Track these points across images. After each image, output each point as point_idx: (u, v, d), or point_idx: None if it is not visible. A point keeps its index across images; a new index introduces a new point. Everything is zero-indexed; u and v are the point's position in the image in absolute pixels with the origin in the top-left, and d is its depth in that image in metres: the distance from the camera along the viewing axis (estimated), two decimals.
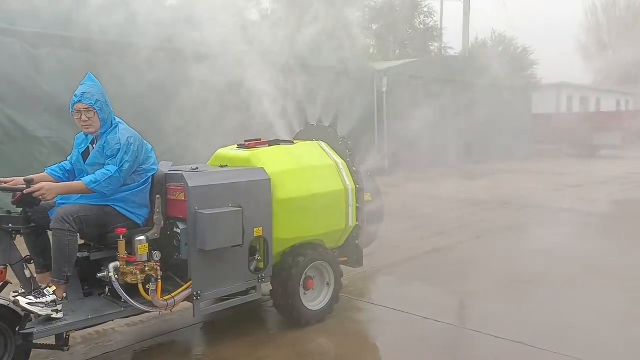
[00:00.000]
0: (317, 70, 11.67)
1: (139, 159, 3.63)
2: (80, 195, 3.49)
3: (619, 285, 5.25)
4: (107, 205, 3.54)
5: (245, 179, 3.95)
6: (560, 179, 14.10)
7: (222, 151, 4.60)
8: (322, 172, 4.43)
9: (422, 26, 32.79)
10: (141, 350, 3.98)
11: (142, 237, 3.57)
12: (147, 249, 3.57)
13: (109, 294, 3.73)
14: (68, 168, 3.79)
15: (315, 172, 4.38)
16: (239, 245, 3.84)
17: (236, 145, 4.62)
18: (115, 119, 3.67)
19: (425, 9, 31.58)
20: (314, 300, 4.36)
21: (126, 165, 3.53)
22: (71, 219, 3.31)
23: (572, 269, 5.85)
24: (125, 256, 3.50)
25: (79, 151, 3.70)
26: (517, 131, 20.23)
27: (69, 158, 3.84)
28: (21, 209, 3.41)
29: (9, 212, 3.38)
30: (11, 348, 3.28)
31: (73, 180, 3.69)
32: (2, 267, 3.29)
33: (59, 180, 3.71)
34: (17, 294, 3.37)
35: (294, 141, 4.78)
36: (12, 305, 3.26)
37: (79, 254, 3.58)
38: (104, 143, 3.57)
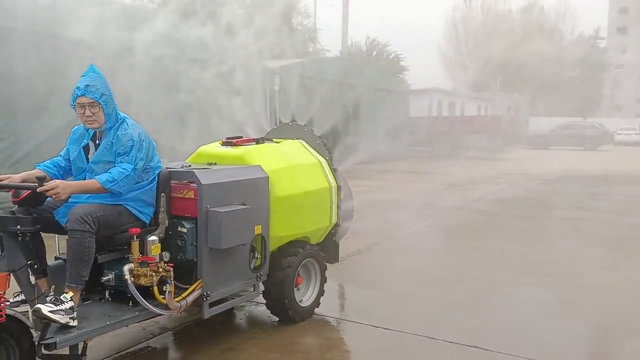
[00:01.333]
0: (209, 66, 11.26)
1: (149, 155, 3.45)
2: (88, 194, 3.24)
3: (539, 280, 5.52)
4: (120, 204, 3.32)
5: (247, 177, 3.91)
6: (442, 179, 15.04)
7: (205, 148, 4.47)
8: (309, 170, 4.49)
9: (299, 27, 33.37)
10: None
11: (154, 237, 3.42)
12: (159, 249, 3.41)
13: (109, 299, 3.51)
14: (62, 165, 3.49)
15: (304, 170, 4.43)
16: (245, 243, 3.81)
17: (219, 143, 4.52)
18: (119, 114, 3.45)
19: (303, 10, 32.15)
20: (303, 296, 4.42)
21: (140, 163, 3.34)
22: (90, 219, 3.07)
23: (489, 267, 6.00)
24: (140, 257, 3.32)
25: (79, 147, 3.43)
26: (396, 133, 21.46)
27: (61, 153, 3.53)
28: (22, 209, 3.09)
29: (12, 212, 3.05)
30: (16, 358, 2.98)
31: (65, 178, 3.41)
32: (6, 272, 2.96)
33: (53, 177, 3.41)
34: (18, 302, 3.07)
35: (272, 139, 4.78)
36: (19, 315, 2.96)
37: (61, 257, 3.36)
38: (113, 139, 3.34)
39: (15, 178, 3.21)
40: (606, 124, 35.21)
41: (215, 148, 4.42)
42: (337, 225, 4.76)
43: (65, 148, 3.53)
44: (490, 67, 43.44)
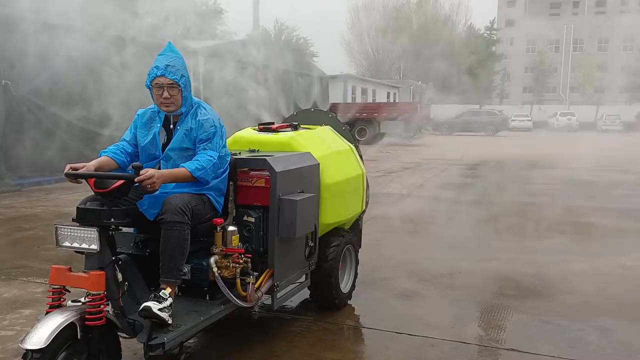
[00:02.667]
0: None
1: (225, 143, 3.29)
2: (176, 182, 3.04)
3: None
4: (203, 193, 3.15)
5: (305, 164, 3.84)
6: (372, 165, 14.89)
7: (242, 134, 4.30)
8: (346, 156, 4.48)
9: (204, 7, 32.42)
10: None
11: (234, 228, 3.28)
12: (238, 240, 3.29)
13: (179, 294, 3.32)
14: (129, 150, 3.23)
15: (342, 157, 4.42)
16: (312, 232, 3.77)
17: (252, 129, 4.37)
18: (193, 98, 3.25)
19: None
20: (342, 282, 4.42)
21: (223, 150, 3.19)
22: (188, 209, 2.89)
23: (477, 258, 5.77)
24: (224, 249, 3.17)
25: (151, 132, 3.18)
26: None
27: (126, 138, 3.26)
28: (107, 201, 2.84)
29: (101, 204, 2.79)
30: None
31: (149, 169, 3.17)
32: (100, 270, 2.71)
33: (121, 164, 3.16)
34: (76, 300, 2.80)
35: (303, 125, 4.69)
36: (111, 317, 2.74)
37: (137, 252, 3.16)
38: (192, 125, 3.14)
39: (90, 167, 2.93)
40: (502, 111, 37.81)
41: (253, 134, 4.26)
42: (364, 211, 4.80)
43: (129, 132, 3.27)
44: (391, 57, 44.98)
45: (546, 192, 10.49)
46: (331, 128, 4.72)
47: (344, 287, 4.39)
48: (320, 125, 4.73)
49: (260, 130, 4.31)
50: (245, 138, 4.24)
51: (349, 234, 4.47)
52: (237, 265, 3.19)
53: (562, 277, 5.12)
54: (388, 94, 35.58)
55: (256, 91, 10.91)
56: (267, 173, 3.46)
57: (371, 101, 31.70)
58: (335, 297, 4.19)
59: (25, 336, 2.47)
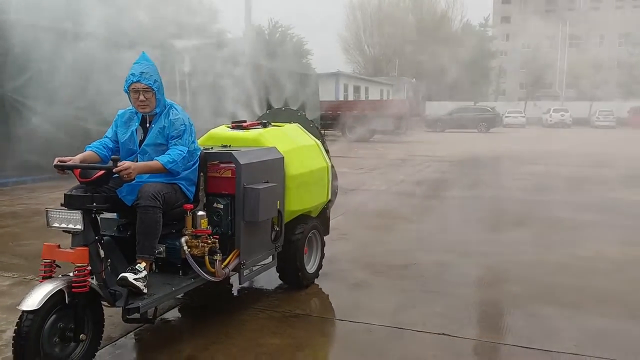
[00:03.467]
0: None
1: (194, 139, 3.79)
2: (149, 174, 3.54)
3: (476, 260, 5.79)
4: (175, 183, 3.65)
5: (269, 157, 4.33)
6: (357, 162, 15.52)
7: (216, 131, 4.79)
8: (311, 150, 4.97)
9: (199, 6, 32.79)
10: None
11: (203, 212, 3.78)
12: (207, 223, 3.78)
13: (156, 270, 3.82)
14: (110, 146, 3.72)
15: (307, 151, 4.91)
16: (274, 216, 4.26)
17: (226, 126, 4.87)
18: (166, 99, 3.75)
19: None
20: (308, 264, 4.92)
21: (192, 146, 3.68)
22: (160, 196, 3.39)
23: (437, 251, 6.10)
24: (193, 230, 3.67)
25: (129, 130, 3.68)
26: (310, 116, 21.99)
27: (108, 135, 3.76)
28: (90, 188, 3.33)
29: (85, 191, 3.29)
30: (88, 325, 3.25)
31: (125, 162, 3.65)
32: (84, 247, 3.21)
33: (104, 158, 3.65)
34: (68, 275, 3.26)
35: (273, 123, 5.18)
36: (94, 286, 3.23)
37: (118, 234, 3.65)
38: (165, 124, 3.64)
39: (76, 159, 3.43)
40: (495, 108, 38.21)
41: (226, 131, 4.76)
42: (330, 200, 5.30)
43: (111, 130, 3.76)
44: (387, 54, 45.33)
45: (519, 187, 10.88)
46: (299, 125, 5.21)
47: (310, 268, 4.89)
48: (290, 123, 5.23)
49: (233, 127, 4.81)
50: (218, 135, 4.73)
51: (315, 221, 4.96)
52: (206, 245, 3.69)
53: (512, 268, 5.48)
54: (382, 91, 36.05)
55: (241, 89, 11.28)
56: (233, 165, 3.95)
57: (364, 99, 32.15)
58: (301, 277, 4.69)
59: (21, 300, 2.96)
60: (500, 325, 4.11)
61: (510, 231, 7.22)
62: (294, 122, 5.29)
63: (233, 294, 4.79)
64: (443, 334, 3.86)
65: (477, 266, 5.58)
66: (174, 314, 4.29)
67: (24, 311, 2.93)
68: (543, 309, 4.35)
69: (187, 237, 3.65)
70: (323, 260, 5.07)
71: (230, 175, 3.98)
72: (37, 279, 3.86)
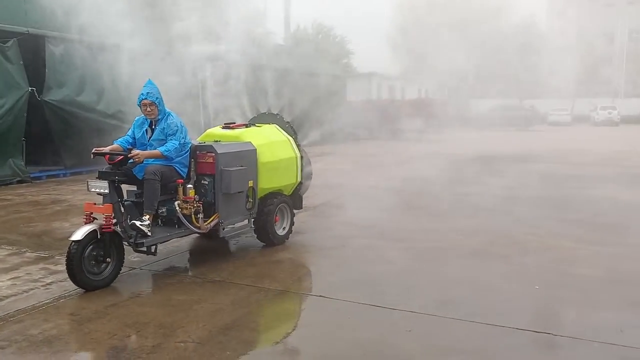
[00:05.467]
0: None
1: (185, 136, 5.61)
2: (153, 159, 5.39)
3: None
4: (171, 165, 5.48)
5: (244, 149, 6.11)
6: (366, 160, 15.89)
7: (211, 130, 6.62)
8: (282, 145, 6.71)
9: (244, 9, 34.85)
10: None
11: (190, 185, 5.59)
12: (194, 193, 5.60)
13: (161, 224, 5.68)
14: (130, 141, 5.60)
15: (278, 145, 6.65)
16: (242, 191, 6.03)
17: (220, 127, 6.67)
18: (166, 109, 5.58)
19: None
20: (279, 229, 6.65)
21: (182, 140, 5.50)
22: (158, 172, 5.23)
23: (358, 234, 6.98)
24: (184, 197, 5.49)
25: (142, 130, 5.55)
26: (333, 116, 22.74)
27: (129, 134, 5.64)
28: (115, 168, 5.20)
29: (110, 168, 5.17)
30: (114, 258, 5.11)
31: (136, 150, 5.51)
32: (109, 204, 5.08)
33: (125, 149, 5.52)
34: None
35: (257, 124, 6.95)
36: (116, 229, 5.09)
37: (133, 199, 5.51)
38: (164, 126, 5.47)
39: (106, 149, 5.32)
40: (541, 105, 38.46)
41: (219, 130, 6.57)
42: (300, 183, 7.01)
43: (130, 130, 5.65)
44: (434, 52, 45.80)
45: (503, 184, 11.31)
46: (277, 126, 6.96)
47: (280, 231, 6.62)
48: (269, 123, 6.99)
49: (223, 127, 6.62)
50: (213, 133, 6.55)
51: (284, 197, 6.70)
52: (192, 207, 5.51)
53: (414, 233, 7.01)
54: (419, 90, 37.06)
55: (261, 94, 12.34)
56: (213, 154, 5.75)
57: (400, 98, 33.41)
58: (272, 238, 6.44)
59: (71, 234, 4.87)
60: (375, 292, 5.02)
61: (449, 220, 8.03)
62: (273, 123, 7.03)
63: (185, 265, 6.01)
64: (320, 295, 4.88)
65: (395, 241, 6.83)
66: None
67: (72, 241, 4.83)
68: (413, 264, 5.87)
69: (179, 201, 5.47)
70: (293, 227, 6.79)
71: (211, 161, 5.78)
72: (34, 252, 5.98)
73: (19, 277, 5.38)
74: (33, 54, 11.15)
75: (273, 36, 33.95)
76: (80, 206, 8.50)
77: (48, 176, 11.98)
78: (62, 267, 5.48)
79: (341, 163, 15.22)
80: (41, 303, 4.68)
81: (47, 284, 5.16)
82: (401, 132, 24.71)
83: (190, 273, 5.68)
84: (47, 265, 5.74)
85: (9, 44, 10.41)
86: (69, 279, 4.95)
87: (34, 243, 6.70)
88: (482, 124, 33.40)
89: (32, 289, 5.03)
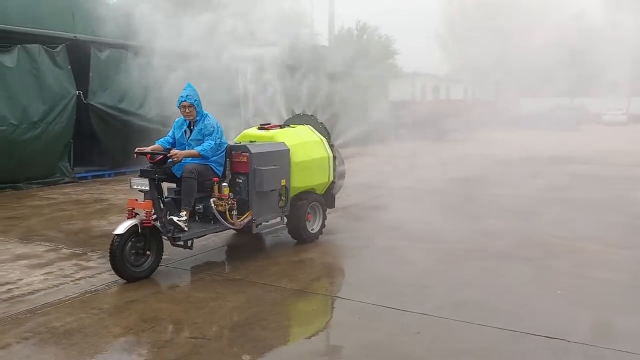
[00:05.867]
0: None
1: (221, 136, 6.02)
2: (192, 158, 5.82)
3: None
4: (207, 164, 5.90)
5: (277, 149, 6.48)
6: (397, 162, 15.73)
7: (247, 131, 7.03)
8: (315, 145, 7.05)
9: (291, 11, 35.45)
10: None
11: (225, 184, 6.00)
12: (229, 190, 6.00)
13: (198, 220, 6.11)
14: (170, 141, 6.05)
15: (311, 145, 7.00)
16: (275, 189, 6.39)
17: (256, 127, 7.07)
18: (204, 111, 6.00)
19: None
20: (311, 226, 6.99)
21: (218, 140, 5.91)
22: (195, 171, 5.65)
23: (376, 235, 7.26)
24: (219, 194, 5.90)
25: (181, 131, 5.99)
26: (375, 117, 22.83)
27: (169, 134, 6.09)
28: (156, 166, 5.65)
29: (151, 167, 5.62)
30: (153, 251, 5.56)
31: (174, 149, 5.95)
32: (150, 200, 5.53)
33: (165, 149, 5.97)
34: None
35: (291, 125, 7.32)
36: (156, 224, 5.53)
37: (173, 197, 5.94)
38: (201, 127, 5.90)
39: (147, 149, 5.78)
40: (595, 104, 37.54)
41: (254, 131, 6.97)
42: (333, 182, 7.34)
43: (171, 131, 6.10)
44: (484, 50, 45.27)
45: (542, 186, 11.30)
46: (310, 127, 7.31)
47: (312, 229, 6.96)
48: (304, 124, 7.35)
49: (259, 128, 7.01)
50: (249, 134, 6.96)
51: (317, 195, 7.04)
52: (227, 204, 5.91)
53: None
54: (465, 90, 36.85)
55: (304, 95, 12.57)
56: (248, 154, 6.14)
57: (444, 98, 33.31)
58: (303, 235, 6.79)
59: (114, 228, 5.34)
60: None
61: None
62: (307, 124, 7.39)
63: (211, 263, 6.25)
64: (336, 296, 5.19)
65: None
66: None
67: (115, 234, 5.29)
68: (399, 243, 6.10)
69: (214, 199, 5.88)
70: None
71: (245, 160, 6.17)
72: (70, 249, 6.50)
73: (52, 272, 5.80)
74: (81, 58, 11.80)
75: (318, 37, 34.53)
76: (119, 205, 9.12)
77: (93, 176, 12.67)
78: (93, 263, 6.06)
79: (378, 164, 15.38)
80: (68, 297, 5.05)
81: (77, 279, 5.56)
82: (444, 133, 24.70)
83: (212, 271, 5.93)
84: (79, 262, 6.16)
85: (57, 49, 11.13)
86: (97, 275, 5.49)
87: (70, 240, 7.18)
88: (529, 124, 32.92)
89: (62, 284, 5.42)
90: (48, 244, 6.96)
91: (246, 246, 6.91)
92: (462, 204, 9.64)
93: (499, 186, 11.31)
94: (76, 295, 5.12)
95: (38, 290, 5.24)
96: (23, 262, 6.19)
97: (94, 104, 11.94)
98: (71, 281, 5.53)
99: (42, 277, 5.64)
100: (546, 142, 23.61)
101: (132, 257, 5.41)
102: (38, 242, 7.05)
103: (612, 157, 16.96)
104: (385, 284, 5.45)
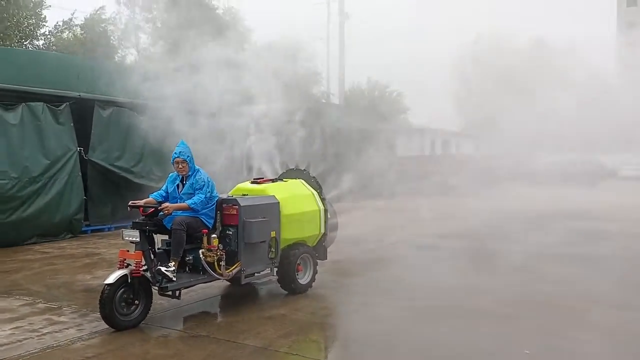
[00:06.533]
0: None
1: (212, 190, 6.49)
2: (182, 210, 6.27)
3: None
4: (197, 217, 6.35)
5: (266, 202, 6.93)
6: (404, 216, 16.39)
7: (240, 185, 7.50)
8: (305, 198, 7.50)
9: (303, 70, 36.76)
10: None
11: (215, 235, 6.42)
12: (218, 242, 6.41)
13: (188, 270, 6.50)
14: (164, 194, 6.53)
15: (301, 198, 7.45)
16: (264, 241, 6.80)
17: (249, 182, 7.55)
18: (196, 166, 6.51)
19: (306, 54, 35.59)
20: (302, 278, 7.34)
21: (208, 194, 6.38)
22: (184, 223, 6.10)
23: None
24: (208, 245, 6.31)
25: (174, 185, 6.48)
26: (381, 172, 23.12)
27: (162, 188, 6.58)
28: (147, 219, 6.11)
29: (144, 219, 6.08)
30: (142, 301, 5.94)
31: (166, 203, 6.42)
32: (140, 251, 5.96)
33: (158, 202, 6.43)
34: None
35: (284, 179, 7.80)
36: (145, 274, 5.94)
37: (164, 248, 6.37)
38: (193, 181, 6.39)
39: (140, 202, 6.25)
40: (611, 159, 37.78)
41: (247, 185, 7.44)
42: (324, 234, 7.74)
43: (164, 185, 6.59)
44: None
45: (543, 241, 11.44)
46: (302, 181, 7.78)
47: (303, 280, 7.31)
48: (296, 178, 7.83)
49: (252, 182, 7.49)
50: (242, 187, 7.43)
51: (307, 247, 7.42)
52: (215, 255, 6.31)
53: None
54: (476, 145, 37.43)
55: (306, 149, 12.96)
56: (237, 206, 6.59)
57: (454, 152, 33.90)
58: (294, 287, 7.14)
59: (105, 279, 5.75)
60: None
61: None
62: (299, 178, 7.86)
63: (184, 315, 6.54)
64: (297, 354, 5.38)
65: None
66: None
67: (105, 284, 5.70)
68: None
69: (203, 250, 6.30)
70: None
71: (235, 213, 6.62)
72: (46, 303, 6.82)
73: (21, 327, 6.05)
74: (84, 115, 12.48)
75: (329, 95, 35.60)
76: (109, 259, 9.49)
77: (93, 230, 13.00)
78: (65, 318, 6.35)
79: (378, 218, 15.83)
80: (27, 353, 5.28)
81: (42, 335, 5.79)
82: (451, 188, 25.01)
83: (182, 326, 6.19)
84: (51, 316, 6.40)
85: (61, 107, 11.82)
86: (64, 330, 5.83)
87: (50, 294, 7.42)
88: (545, 179, 33.04)
89: (26, 339, 5.65)
90: (26, 299, 7.19)
91: (230, 298, 7.29)
92: (454, 260, 9.91)
93: (499, 241, 11.49)
94: (37, 350, 5.35)
95: (1, 345, 5.47)
96: None
97: (94, 160, 12.52)
98: (37, 336, 5.75)
99: (9, 332, 5.86)
100: (559, 197, 23.69)
101: (121, 307, 5.79)
102: (17, 297, 7.29)
103: (626, 213, 16.99)
104: (351, 343, 5.78)
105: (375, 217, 15.99)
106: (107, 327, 5.82)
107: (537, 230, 13.04)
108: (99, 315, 5.85)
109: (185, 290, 6.55)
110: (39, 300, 7.11)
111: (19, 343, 5.56)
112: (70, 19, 21.16)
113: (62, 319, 6.33)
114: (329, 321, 6.50)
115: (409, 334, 5.94)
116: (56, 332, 5.88)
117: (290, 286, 7.15)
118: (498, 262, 9.53)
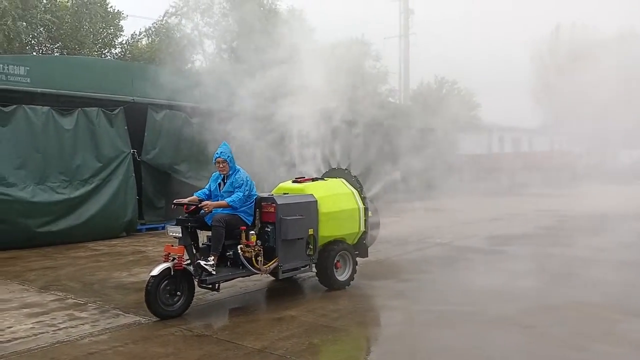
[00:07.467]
0: None
1: (251, 189, 7.19)
2: (222, 208, 7.00)
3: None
4: (236, 214, 7.06)
5: (304, 200, 7.57)
6: (458, 216, 16.61)
7: (282, 184, 8.18)
8: (344, 197, 8.09)
9: (374, 70, 37.30)
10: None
11: (253, 232, 7.11)
12: (256, 238, 7.10)
13: (229, 264, 7.21)
14: (207, 193, 7.29)
15: (341, 197, 8.04)
16: (302, 238, 7.43)
17: (291, 181, 8.21)
18: (236, 166, 7.23)
19: (374, 53, 36.19)
20: (341, 275, 7.92)
21: (247, 192, 7.08)
22: (223, 220, 6.82)
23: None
24: (246, 241, 7.00)
25: (216, 184, 7.23)
26: (442, 170, 23.27)
27: (206, 187, 7.34)
28: (189, 216, 6.87)
29: (186, 216, 6.85)
30: (184, 293, 6.69)
31: (206, 201, 7.14)
32: (182, 246, 6.72)
33: (202, 200, 7.18)
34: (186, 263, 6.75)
35: (325, 178, 8.41)
36: (187, 267, 6.68)
37: (207, 243, 7.10)
38: (233, 180, 7.10)
39: (184, 200, 7.03)
40: None
41: (288, 184, 8.10)
42: (365, 232, 8.30)
43: (208, 184, 7.35)
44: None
45: (595, 245, 11.43)
46: (343, 179, 8.38)
47: (341, 277, 7.90)
48: (338, 177, 8.43)
49: (293, 182, 8.15)
50: (283, 186, 8.11)
51: (346, 245, 8.00)
52: (253, 251, 7.00)
53: None
54: (551, 141, 36.80)
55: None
56: (275, 204, 7.27)
57: (527, 150, 33.53)
58: (332, 282, 7.75)
59: (150, 271, 6.54)
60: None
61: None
62: (340, 177, 8.46)
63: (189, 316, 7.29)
64: (291, 358, 5.51)
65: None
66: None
67: (150, 275, 6.49)
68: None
69: (242, 246, 6.99)
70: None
71: (273, 211, 7.29)
72: (75, 299, 7.43)
73: (42, 321, 6.52)
74: (139, 118, 13.61)
75: (395, 93, 35.94)
76: (153, 257, 10.30)
77: (147, 229, 14.14)
78: (86, 314, 6.87)
79: (429, 218, 16.28)
80: (38, 347, 5.65)
81: (58, 330, 6.21)
82: (519, 187, 24.95)
83: (189, 325, 6.41)
84: (74, 312, 6.90)
85: (115, 111, 12.95)
86: (80, 326, 6.33)
87: (82, 290, 7.98)
88: (628, 177, 32.06)
89: (42, 333, 6.07)
90: (59, 294, 7.75)
91: (260, 294, 7.91)
92: (495, 263, 10.05)
93: (548, 245, 11.60)
94: (46, 345, 5.73)
95: (17, 339, 5.91)
96: (25, 310, 7.02)
97: (146, 161, 13.62)
98: (52, 331, 6.17)
99: (30, 326, 6.33)
100: (633, 197, 23.06)
101: (165, 297, 6.56)
102: (52, 292, 7.89)
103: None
104: (349, 347, 6.06)
105: (428, 217, 16.41)
106: (120, 324, 6.43)
107: (599, 233, 13.01)
108: (117, 312, 6.65)
109: (229, 284, 7.30)
110: (70, 296, 7.66)
111: (33, 337, 5.99)
112: (149, 27, 22.58)
113: (82, 314, 6.83)
114: (338, 325, 6.40)
115: (414, 340, 6.07)
116: (72, 327, 6.31)
117: (329, 282, 7.76)
118: (544, 266, 9.64)
